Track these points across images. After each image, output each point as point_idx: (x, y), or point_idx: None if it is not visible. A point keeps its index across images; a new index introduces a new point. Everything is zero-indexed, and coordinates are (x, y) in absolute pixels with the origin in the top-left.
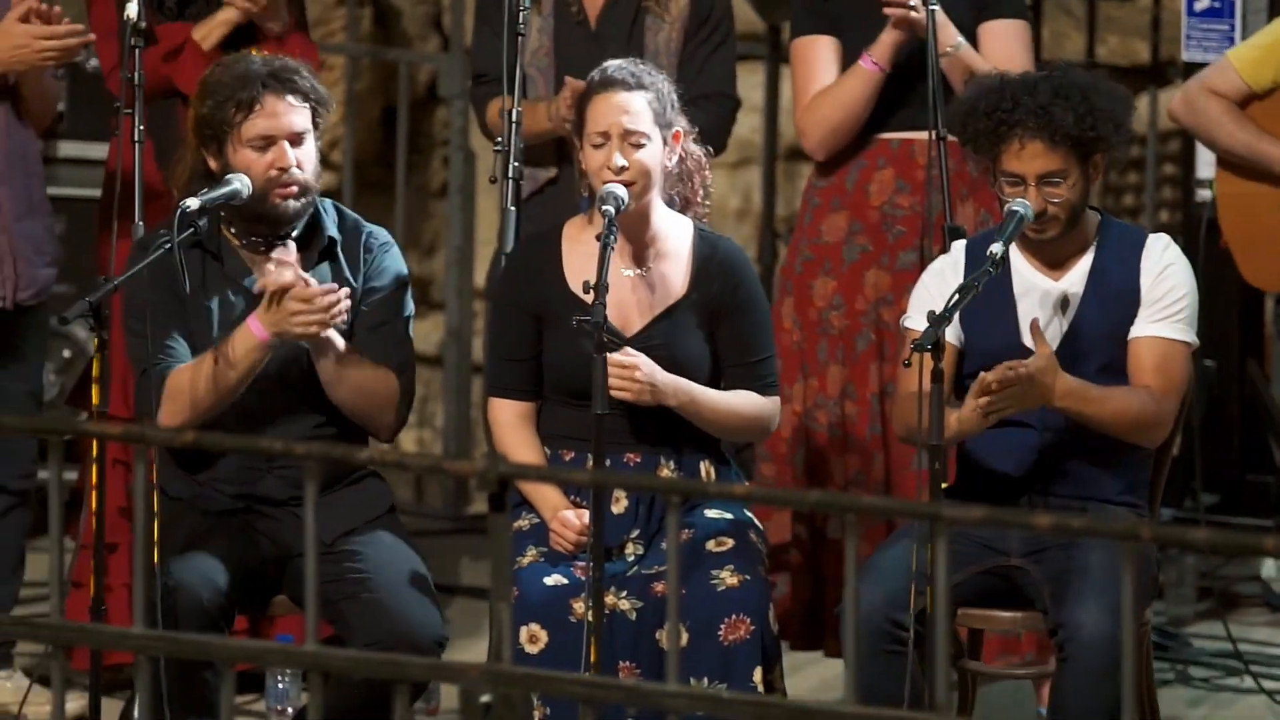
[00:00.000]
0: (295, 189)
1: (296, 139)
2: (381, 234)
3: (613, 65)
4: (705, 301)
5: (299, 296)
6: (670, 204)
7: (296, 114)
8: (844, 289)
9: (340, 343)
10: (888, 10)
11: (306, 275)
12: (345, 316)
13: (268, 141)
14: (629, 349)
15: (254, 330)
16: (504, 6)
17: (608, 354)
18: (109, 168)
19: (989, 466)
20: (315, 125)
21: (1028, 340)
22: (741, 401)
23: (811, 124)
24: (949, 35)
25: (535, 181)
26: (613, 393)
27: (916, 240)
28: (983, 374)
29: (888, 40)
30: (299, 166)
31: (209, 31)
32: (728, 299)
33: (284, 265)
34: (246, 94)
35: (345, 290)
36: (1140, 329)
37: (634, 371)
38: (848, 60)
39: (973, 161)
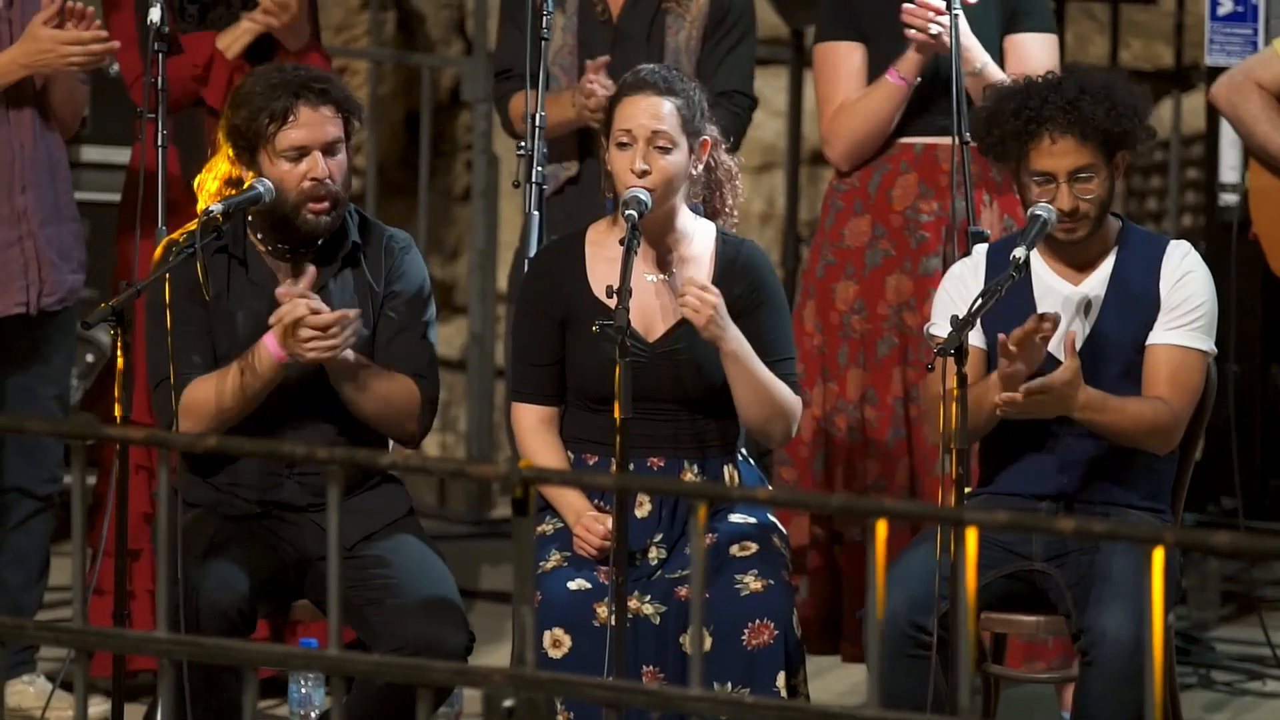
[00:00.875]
0: (328, 203)
1: (330, 149)
2: (402, 237)
3: (646, 68)
4: (728, 304)
5: (312, 324)
6: (696, 211)
7: (330, 124)
8: (866, 293)
9: (358, 361)
10: (909, 32)
11: (317, 302)
12: (354, 339)
13: (301, 152)
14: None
15: (271, 350)
16: (524, 4)
17: (688, 279)
18: (130, 172)
19: (1012, 471)
20: (347, 136)
21: (1052, 348)
22: (779, 383)
23: (837, 136)
24: (975, 56)
25: (556, 180)
26: (683, 310)
27: (940, 246)
28: (1001, 338)
29: (914, 57)
30: (331, 178)
31: (233, 40)
32: (748, 300)
33: (295, 291)
34: (280, 104)
35: (355, 312)
36: (1156, 336)
37: (711, 296)
38: (874, 66)
39: (995, 169)
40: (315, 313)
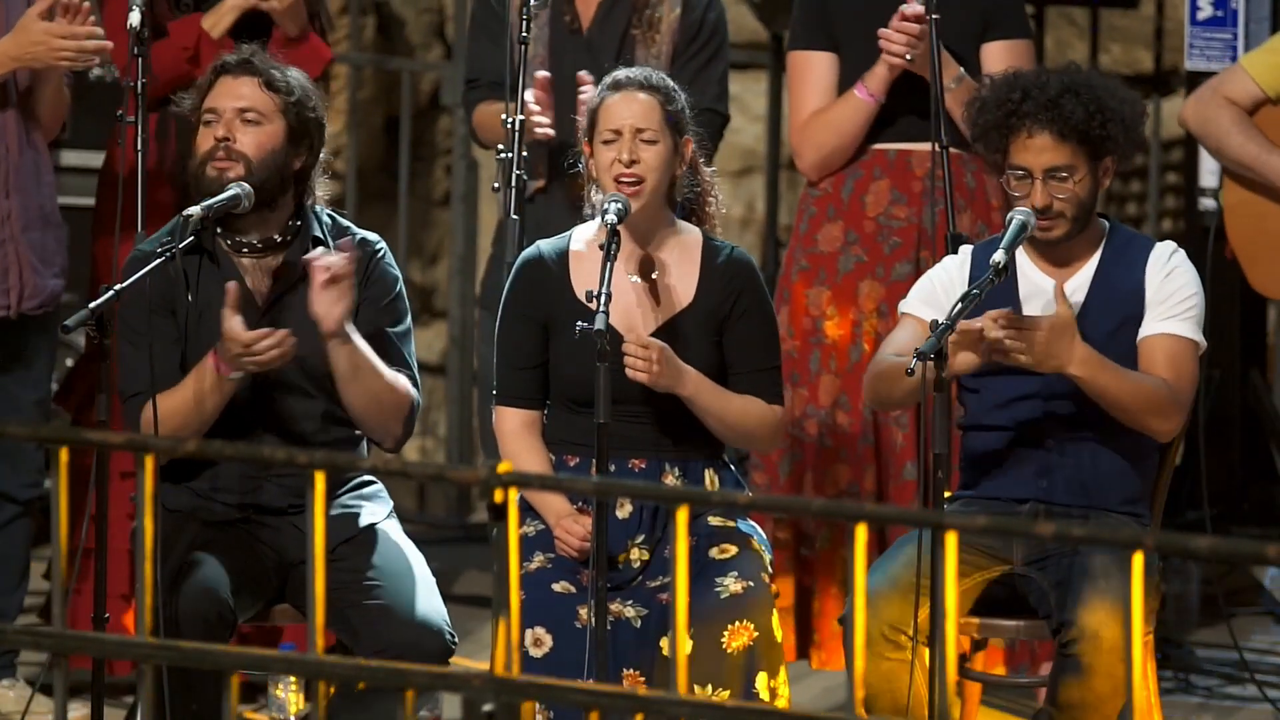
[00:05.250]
0: (229, 164)
1: (241, 113)
2: (374, 240)
3: (625, 70)
4: (712, 309)
5: (238, 339)
6: (681, 211)
7: (245, 93)
8: (838, 299)
9: (358, 343)
10: (885, 56)
11: (236, 323)
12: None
13: (214, 116)
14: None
15: (217, 367)
16: (499, 15)
17: (628, 337)
18: (105, 175)
19: (992, 475)
20: (289, 120)
21: (1042, 308)
22: (749, 406)
23: (806, 147)
24: (950, 70)
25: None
26: (628, 372)
27: (912, 252)
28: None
29: (881, 73)
30: (236, 141)
31: (218, 19)
32: (735, 307)
33: (233, 310)
34: (207, 80)
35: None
36: (1149, 327)
37: (653, 353)
38: (846, 75)
39: (984, 153)
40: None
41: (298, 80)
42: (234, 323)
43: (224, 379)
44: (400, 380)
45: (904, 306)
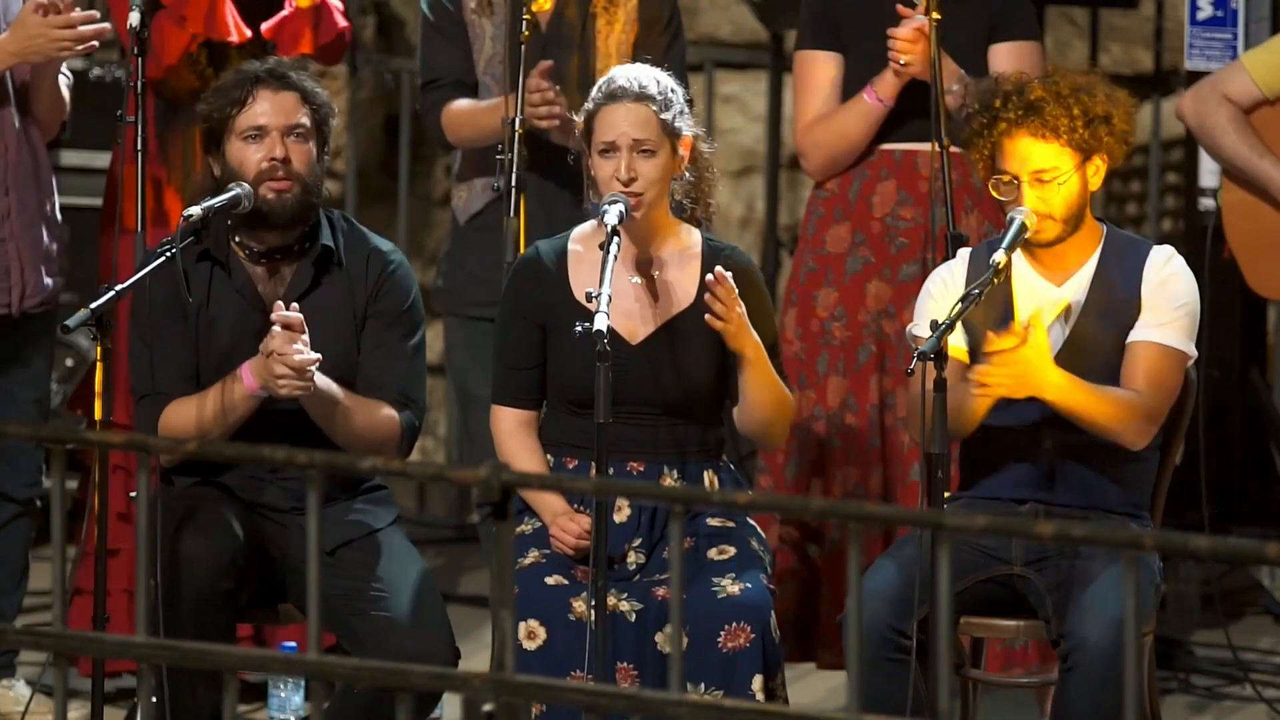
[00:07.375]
0: (288, 184)
1: (290, 130)
2: (389, 250)
3: (620, 75)
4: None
5: (287, 365)
6: (679, 211)
7: (291, 109)
8: (846, 300)
9: (332, 393)
10: (892, 56)
11: (300, 347)
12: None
13: (260, 132)
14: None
15: (246, 381)
16: (454, 15)
17: (716, 274)
18: (111, 175)
19: (991, 475)
20: (320, 133)
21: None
22: (784, 387)
23: (811, 149)
24: (952, 75)
25: (491, 193)
26: (710, 320)
27: (919, 252)
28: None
29: (890, 78)
30: (292, 161)
31: None
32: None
33: (284, 327)
34: (241, 91)
35: (316, 356)
36: (1138, 333)
37: (733, 296)
38: (851, 76)
39: (974, 170)
40: (296, 349)
41: (320, 89)
42: (289, 346)
43: (252, 395)
44: (382, 415)
45: (912, 329)
